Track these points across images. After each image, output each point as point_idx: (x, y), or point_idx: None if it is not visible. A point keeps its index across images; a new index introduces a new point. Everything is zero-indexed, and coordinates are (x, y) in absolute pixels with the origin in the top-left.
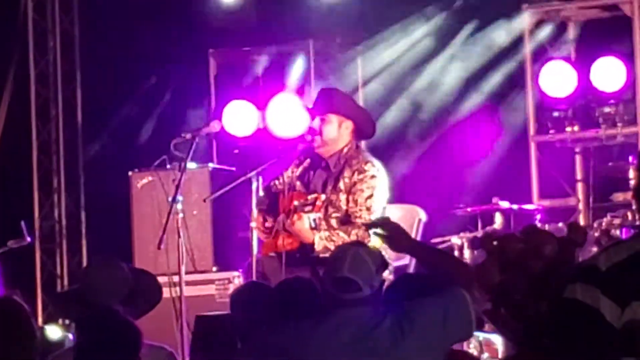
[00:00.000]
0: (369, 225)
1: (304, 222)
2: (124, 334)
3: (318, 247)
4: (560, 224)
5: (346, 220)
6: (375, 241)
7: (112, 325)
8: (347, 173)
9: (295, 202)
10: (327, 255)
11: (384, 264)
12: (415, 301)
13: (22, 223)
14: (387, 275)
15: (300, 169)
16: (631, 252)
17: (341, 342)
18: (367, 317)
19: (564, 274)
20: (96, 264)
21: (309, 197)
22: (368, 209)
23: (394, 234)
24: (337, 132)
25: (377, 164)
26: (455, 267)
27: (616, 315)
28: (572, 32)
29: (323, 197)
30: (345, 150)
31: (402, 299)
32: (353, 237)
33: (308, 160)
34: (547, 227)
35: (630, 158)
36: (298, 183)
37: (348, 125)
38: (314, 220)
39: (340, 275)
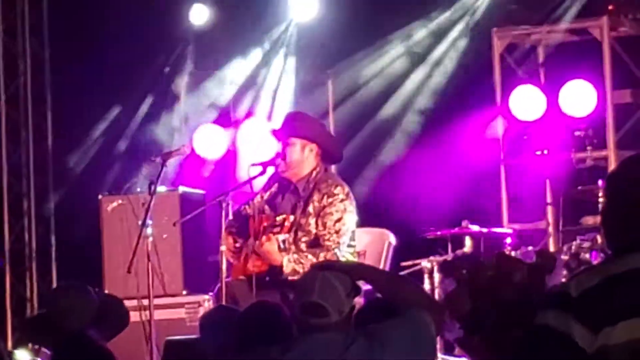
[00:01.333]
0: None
1: (273, 244)
2: (98, 358)
3: (286, 269)
4: (530, 248)
5: (315, 244)
6: None
7: (87, 350)
8: (316, 197)
9: (264, 224)
10: (295, 278)
11: (355, 289)
12: (383, 324)
13: None
14: (358, 298)
15: (269, 193)
16: (602, 278)
17: None
18: (335, 342)
19: (535, 301)
20: (62, 289)
21: (278, 218)
22: (337, 232)
23: (352, 264)
24: (301, 155)
25: (347, 187)
26: (417, 296)
27: (588, 341)
28: (541, 56)
29: (292, 218)
30: (314, 174)
31: (372, 321)
32: (321, 260)
33: (277, 185)
34: (517, 252)
35: (600, 182)
36: (267, 207)
37: (312, 148)
38: (283, 241)
39: (309, 300)
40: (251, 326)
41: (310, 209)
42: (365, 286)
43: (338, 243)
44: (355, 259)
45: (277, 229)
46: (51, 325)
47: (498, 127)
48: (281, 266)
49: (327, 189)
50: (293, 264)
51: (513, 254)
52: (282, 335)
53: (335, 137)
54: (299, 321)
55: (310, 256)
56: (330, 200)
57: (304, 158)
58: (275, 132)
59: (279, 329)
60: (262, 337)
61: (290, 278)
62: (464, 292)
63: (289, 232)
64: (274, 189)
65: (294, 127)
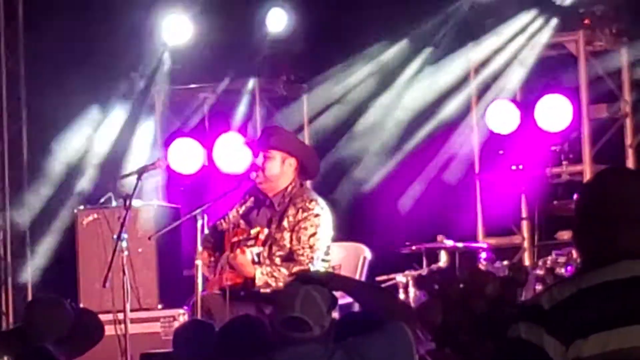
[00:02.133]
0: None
1: (247, 256)
2: None
3: (259, 282)
4: (505, 262)
5: (290, 258)
6: None
7: None
8: (291, 211)
9: (239, 237)
10: (267, 290)
11: (334, 303)
12: (362, 337)
13: None
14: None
15: (244, 208)
16: (573, 291)
17: None
18: (316, 354)
19: (507, 313)
20: (37, 303)
21: (252, 231)
22: (311, 247)
23: (329, 275)
24: (280, 169)
25: (322, 202)
26: (393, 305)
27: (561, 353)
28: (518, 70)
29: (266, 231)
30: (289, 188)
31: (349, 335)
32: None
33: (252, 199)
34: (490, 266)
35: (575, 196)
36: (242, 222)
37: (291, 162)
38: (257, 254)
39: (290, 315)
40: (232, 339)
41: (285, 223)
42: (341, 300)
43: (312, 258)
44: None
45: (251, 242)
46: (24, 339)
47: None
48: (254, 278)
49: (302, 203)
50: (265, 277)
51: (485, 268)
52: (263, 348)
53: (314, 153)
54: (280, 336)
55: (283, 269)
56: (305, 215)
57: (283, 172)
58: (253, 144)
59: (260, 342)
60: (242, 350)
61: (262, 290)
62: (436, 304)
63: (263, 245)
64: (249, 203)
65: (273, 140)
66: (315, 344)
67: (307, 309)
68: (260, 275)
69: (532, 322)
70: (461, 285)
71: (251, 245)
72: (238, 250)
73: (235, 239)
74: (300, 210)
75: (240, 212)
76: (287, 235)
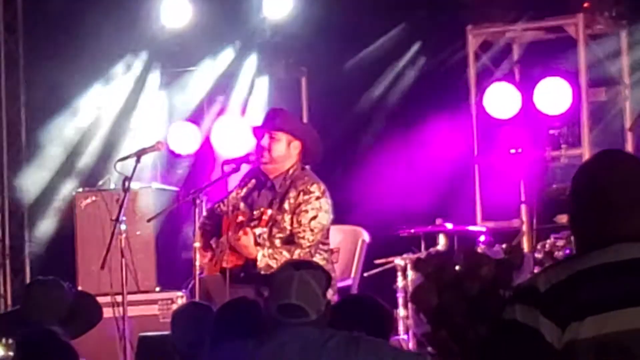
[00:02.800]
0: None
1: (250, 238)
2: (60, 355)
3: (260, 263)
4: (504, 246)
5: (290, 241)
6: (321, 261)
7: (50, 346)
8: (292, 194)
9: (241, 218)
10: (268, 272)
11: (328, 283)
12: (365, 335)
13: None
14: (332, 295)
15: (245, 190)
16: (570, 273)
17: (289, 357)
18: (313, 335)
19: (502, 296)
20: (36, 285)
21: (255, 212)
22: (312, 230)
23: None
24: (286, 151)
25: (323, 185)
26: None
27: (556, 336)
28: (516, 54)
29: (269, 211)
30: (291, 171)
31: (347, 318)
32: (295, 257)
33: (253, 181)
34: (485, 248)
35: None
36: (242, 204)
37: (296, 145)
38: (259, 235)
39: (287, 302)
40: (228, 321)
41: (286, 205)
42: (339, 283)
43: (312, 241)
44: (329, 256)
45: (254, 223)
46: (23, 321)
47: None
48: (254, 260)
49: (304, 186)
50: (267, 259)
51: (483, 251)
52: (258, 330)
53: (318, 137)
54: (276, 321)
55: (284, 252)
56: (306, 197)
57: (288, 154)
58: (257, 128)
59: (256, 324)
60: (238, 332)
61: (263, 273)
62: (431, 287)
63: (266, 225)
64: (250, 185)
65: (280, 121)
66: (311, 327)
67: (303, 295)
68: (262, 257)
69: (527, 304)
70: (456, 268)
71: (254, 226)
72: (241, 232)
73: (238, 220)
74: (302, 193)
75: (241, 194)
76: (287, 217)
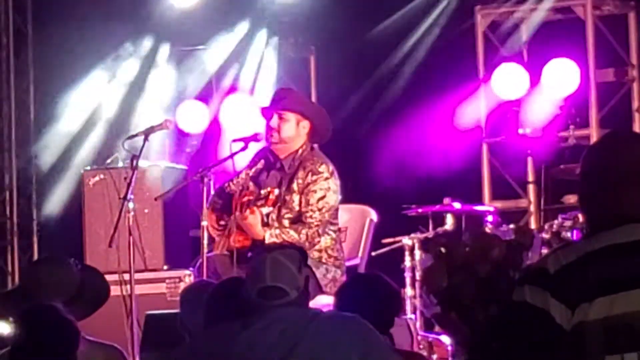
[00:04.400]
0: None
1: (256, 217)
2: (61, 331)
3: (268, 243)
4: (512, 226)
5: (298, 221)
6: (326, 242)
7: (50, 322)
8: (301, 174)
9: (249, 197)
10: None
11: (304, 258)
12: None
13: None
14: (340, 275)
15: (254, 170)
16: (579, 255)
17: (268, 342)
18: (296, 315)
19: (512, 277)
20: (43, 262)
21: (262, 191)
22: (320, 209)
23: None
24: (295, 131)
25: (331, 166)
26: None
27: (566, 317)
28: (524, 34)
29: (276, 191)
30: (300, 151)
31: (356, 296)
32: (303, 237)
33: (262, 162)
34: (495, 229)
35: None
36: (251, 184)
37: (305, 125)
38: (267, 215)
39: (263, 285)
40: (219, 302)
41: (295, 186)
42: (347, 262)
43: (320, 220)
44: (337, 236)
45: (261, 202)
46: (28, 298)
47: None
48: (262, 240)
49: (312, 166)
50: (275, 239)
51: (491, 231)
52: (245, 313)
53: (327, 116)
54: (258, 305)
55: (292, 232)
56: (314, 177)
57: (298, 134)
58: (265, 108)
59: (247, 305)
60: (229, 313)
61: None
62: (441, 267)
63: (273, 205)
64: (259, 165)
65: (289, 101)
66: (293, 307)
67: (279, 275)
68: (270, 237)
69: (537, 285)
70: (466, 249)
71: (261, 206)
72: (248, 211)
73: (245, 199)
74: (310, 173)
75: (250, 174)
76: (296, 197)
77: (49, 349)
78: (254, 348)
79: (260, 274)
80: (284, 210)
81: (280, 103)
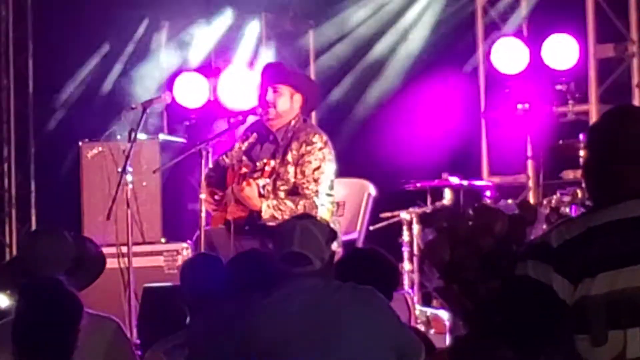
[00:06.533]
0: None
1: (253, 189)
2: (65, 304)
3: (265, 215)
4: (509, 201)
5: (294, 192)
6: (323, 213)
7: (55, 294)
8: (294, 145)
9: (245, 170)
10: (273, 224)
11: (333, 236)
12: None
13: None
14: (336, 248)
15: (247, 143)
16: (582, 230)
17: (290, 311)
18: (318, 287)
19: (515, 252)
20: (40, 234)
21: (258, 163)
22: (315, 180)
23: None
24: (290, 104)
25: (325, 136)
26: None
27: (569, 292)
28: (524, 9)
29: (272, 163)
30: (292, 122)
31: (353, 271)
32: (300, 208)
33: (255, 135)
34: (498, 204)
35: (581, 136)
36: (244, 158)
37: (298, 98)
38: (263, 187)
39: (290, 250)
40: (239, 272)
41: (289, 157)
42: (344, 237)
43: (317, 191)
44: (334, 208)
45: (257, 174)
46: (26, 270)
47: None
48: (259, 211)
49: (306, 137)
50: (272, 210)
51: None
52: (267, 281)
53: (318, 88)
54: (282, 271)
55: (289, 202)
56: (308, 148)
57: (292, 107)
58: (262, 82)
59: (266, 276)
60: (249, 284)
61: (268, 224)
62: (444, 241)
63: (269, 177)
64: (252, 139)
65: (283, 75)
66: (316, 278)
67: (306, 243)
68: (267, 209)
69: (540, 260)
70: (470, 223)
71: (257, 178)
72: (244, 183)
73: (242, 172)
74: (304, 144)
75: (243, 148)
76: (291, 169)
77: (53, 323)
78: (274, 317)
79: (288, 240)
80: (279, 182)
81: (274, 77)
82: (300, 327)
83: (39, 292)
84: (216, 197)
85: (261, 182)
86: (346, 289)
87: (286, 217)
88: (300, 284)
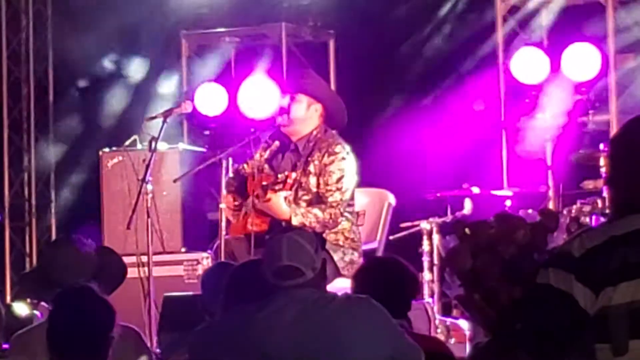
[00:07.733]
0: None
1: (280, 198)
2: (98, 312)
3: (295, 222)
4: (530, 210)
5: (315, 202)
6: (346, 223)
7: (89, 301)
8: (316, 155)
9: (266, 182)
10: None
11: (322, 243)
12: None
13: None
14: (357, 258)
15: (268, 152)
16: (604, 239)
17: (285, 322)
18: (312, 297)
19: (537, 260)
20: (60, 243)
21: (279, 175)
22: (339, 189)
23: None
24: (305, 113)
25: (347, 147)
26: None
27: (590, 301)
28: (545, 18)
29: (294, 175)
30: (314, 133)
31: (373, 279)
32: (327, 216)
33: (277, 144)
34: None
35: (602, 145)
36: (266, 166)
37: (317, 107)
38: (285, 198)
39: (280, 264)
40: (239, 284)
41: (311, 167)
42: (365, 246)
43: (341, 200)
44: (354, 218)
45: (279, 186)
46: (48, 280)
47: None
48: (287, 220)
49: (328, 147)
50: (301, 217)
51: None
52: (264, 293)
53: (341, 102)
54: (275, 286)
55: (317, 210)
56: (331, 158)
57: (308, 116)
58: (283, 88)
59: (266, 287)
60: (248, 295)
61: None
62: (465, 249)
63: (291, 189)
64: (273, 147)
65: (301, 83)
66: (309, 288)
67: (295, 255)
68: (294, 216)
69: (562, 268)
70: (491, 230)
71: (279, 190)
72: (270, 193)
73: (264, 183)
74: (326, 155)
75: (265, 156)
76: (313, 179)
77: (89, 329)
78: (270, 330)
79: (276, 254)
80: (300, 192)
81: (292, 84)
82: (295, 339)
83: (71, 299)
84: (236, 203)
85: (283, 194)
86: (340, 299)
87: (314, 225)
88: (292, 295)
